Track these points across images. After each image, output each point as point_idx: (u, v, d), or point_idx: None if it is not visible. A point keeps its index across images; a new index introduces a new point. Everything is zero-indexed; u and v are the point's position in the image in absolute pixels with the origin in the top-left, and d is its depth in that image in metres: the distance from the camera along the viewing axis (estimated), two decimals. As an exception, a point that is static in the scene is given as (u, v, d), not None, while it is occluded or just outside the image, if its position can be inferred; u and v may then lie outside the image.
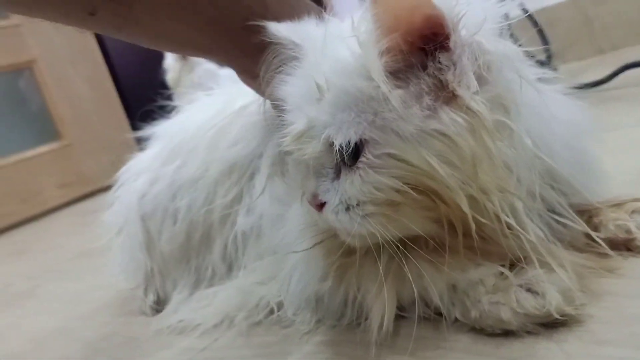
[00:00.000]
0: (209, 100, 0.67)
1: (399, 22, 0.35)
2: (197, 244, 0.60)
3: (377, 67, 0.35)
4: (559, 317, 0.35)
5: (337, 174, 0.39)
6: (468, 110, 0.35)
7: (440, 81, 0.36)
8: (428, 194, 0.37)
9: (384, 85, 0.35)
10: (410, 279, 0.38)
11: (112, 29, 0.46)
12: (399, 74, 0.36)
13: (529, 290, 0.37)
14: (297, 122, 0.39)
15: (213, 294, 0.58)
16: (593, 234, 0.41)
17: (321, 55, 0.39)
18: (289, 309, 0.49)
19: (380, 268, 0.39)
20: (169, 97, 0.76)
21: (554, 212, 0.41)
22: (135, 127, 0.71)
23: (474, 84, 0.35)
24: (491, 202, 0.36)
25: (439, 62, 0.36)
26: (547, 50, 1.11)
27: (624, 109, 0.87)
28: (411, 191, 0.36)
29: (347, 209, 0.38)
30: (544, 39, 1.09)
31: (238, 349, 0.49)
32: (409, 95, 0.36)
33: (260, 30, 0.44)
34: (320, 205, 0.40)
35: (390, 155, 0.36)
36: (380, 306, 0.40)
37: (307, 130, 0.39)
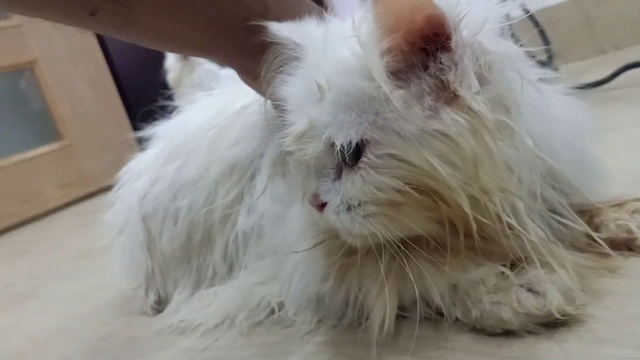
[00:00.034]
0: (210, 101, 0.67)
1: (400, 22, 0.35)
2: (198, 244, 0.60)
3: (378, 67, 0.35)
4: (560, 317, 0.35)
5: (338, 174, 0.39)
6: (469, 110, 0.35)
7: (442, 81, 0.36)
8: (429, 194, 0.37)
9: (385, 86, 0.35)
10: (412, 279, 0.38)
11: (112, 29, 0.46)
12: (400, 74, 0.36)
13: (530, 290, 0.37)
14: (298, 123, 0.39)
15: (214, 294, 0.58)
16: (593, 234, 0.41)
17: (322, 55, 0.39)
18: (290, 309, 0.49)
19: (382, 268, 0.39)
20: (170, 97, 0.76)
21: (554, 212, 0.41)
22: (136, 127, 0.71)
23: (475, 84, 0.35)
24: (492, 202, 0.36)
25: (440, 62, 0.36)
26: (548, 51, 1.11)
27: (624, 109, 0.87)
28: (412, 191, 0.36)
29: (349, 209, 0.38)
30: (545, 39, 1.09)
31: (239, 349, 0.49)
32: (410, 95, 0.36)
33: (261, 30, 0.44)
34: (322, 206, 0.40)
35: (391, 155, 0.36)
36: (382, 306, 0.40)
37: (308, 130, 0.39)
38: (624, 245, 0.43)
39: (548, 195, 0.41)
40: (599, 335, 0.35)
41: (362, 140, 0.37)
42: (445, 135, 0.35)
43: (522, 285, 0.37)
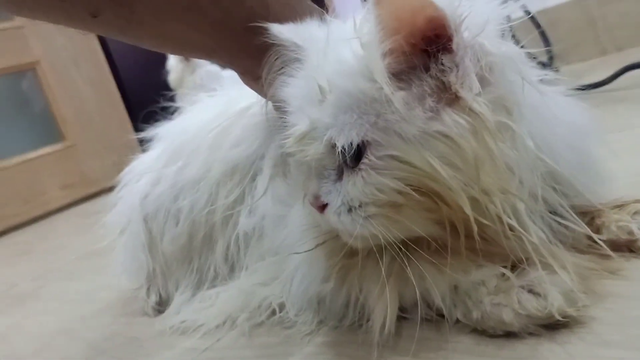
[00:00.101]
0: (211, 102, 0.67)
1: (402, 23, 0.35)
2: (200, 244, 0.60)
3: (379, 69, 0.35)
4: (561, 319, 0.35)
5: (339, 176, 0.39)
6: (470, 111, 0.35)
7: (443, 83, 0.36)
8: (430, 195, 0.37)
9: (387, 87, 0.35)
10: (413, 280, 0.38)
11: (114, 30, 0.46)
12: (401, 75, 0.36)
13: (530, 291, 0.37)
14: (299, 124, 0.40)
15: (215, 294, 0.58)
16: (594, 235, 0.41)
17: (323, 56, 0.39)
18: (291, 310, 0.50)
19: (383, 269, 0.39)
20: (172, 99, 0.76)
21: (555, 213, 0.41)
22: (137, 128, 0.71)
23: (476, 85, 0.35)
24: (493, 204, 0.36)
25: (442, 64, 0.36)
26: (549, 52, 1.11)
27: (627, 110, 0.87)
28: (413, 193, 0.36)
29: (350, 210, 0.38)
30: (546, 40, 1.09)
31: (240, 349, 0.49)
32: (412, 96, 0.36)
33: (263, 31, 0.44)
34: (323, 207, 0.40)
35: (392, 156, 0.36)
36: (383, 307, 0.40)
37: (309, 131, 0.39)
38: (625, 246, 0.43)
39: (549, 196, 0.41)
40: (601, 337, 0.34)
41: (363, 142, 0.37)
42: (446, 136, 0.35)
43: (523, 287, 0.37)
